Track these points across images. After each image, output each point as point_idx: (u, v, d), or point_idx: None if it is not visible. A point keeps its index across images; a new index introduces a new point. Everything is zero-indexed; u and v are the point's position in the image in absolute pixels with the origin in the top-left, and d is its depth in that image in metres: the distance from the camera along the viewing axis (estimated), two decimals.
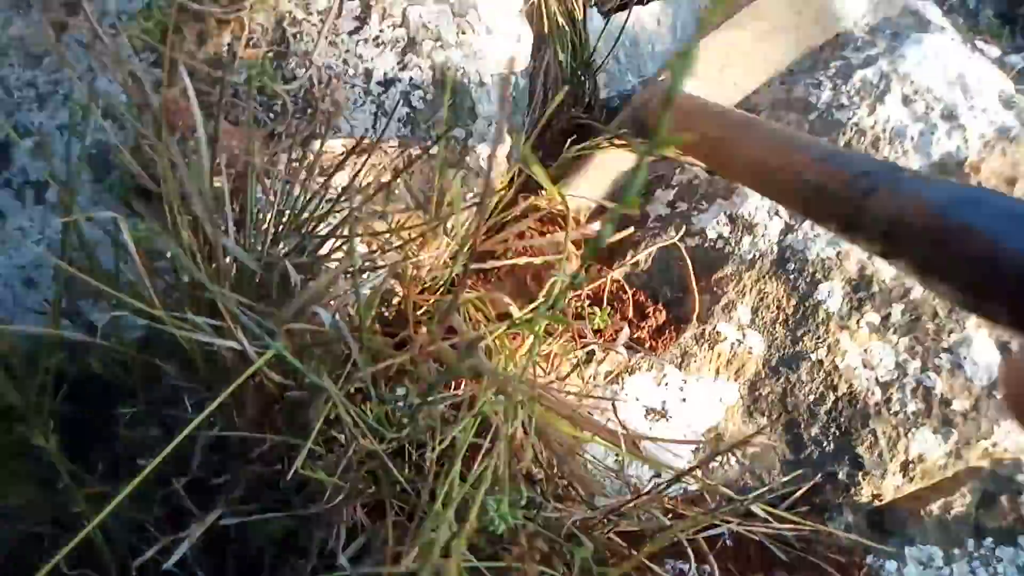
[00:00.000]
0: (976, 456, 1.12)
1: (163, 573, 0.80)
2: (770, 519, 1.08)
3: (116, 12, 1.00)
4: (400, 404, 0.84)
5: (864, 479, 1.12)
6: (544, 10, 1.36)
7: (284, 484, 0.97)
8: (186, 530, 0.83)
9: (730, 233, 1.16)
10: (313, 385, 0.73)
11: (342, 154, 1.01)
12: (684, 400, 1.15)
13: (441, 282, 1.12)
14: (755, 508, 1.09)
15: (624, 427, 1.07)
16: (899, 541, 1.14)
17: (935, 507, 1.14)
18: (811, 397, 1.14)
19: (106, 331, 1.02)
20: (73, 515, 0.97)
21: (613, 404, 1.09)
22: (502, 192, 1.18)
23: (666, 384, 1.14)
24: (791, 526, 1.08)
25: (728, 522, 1.08)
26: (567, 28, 1.42)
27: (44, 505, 0.98)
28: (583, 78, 1.51)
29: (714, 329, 1.14)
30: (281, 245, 0.90)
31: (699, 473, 1.10)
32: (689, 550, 0.92)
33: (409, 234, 0.98)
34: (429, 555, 0.69)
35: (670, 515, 1.00)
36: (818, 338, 1.13)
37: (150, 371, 0.99)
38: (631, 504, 0.92)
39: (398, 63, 1.03)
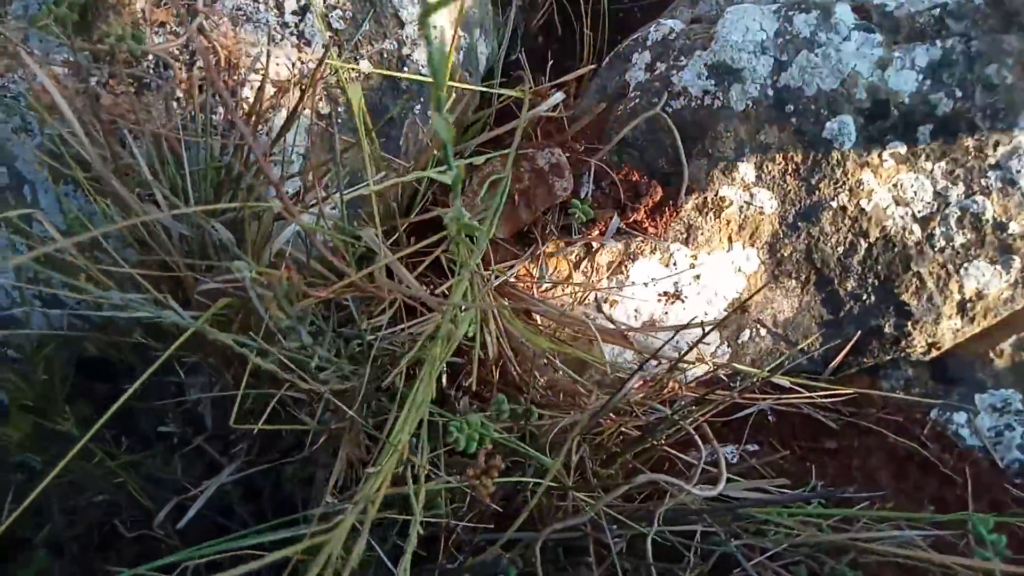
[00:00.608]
0: None
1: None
2: (802, 390, 0.99)
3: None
4: (352, 337, 0.82)
5: (915, 328, 0.99)
6: None
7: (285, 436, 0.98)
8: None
9: (715, 86, 1.02)
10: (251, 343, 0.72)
11: (272, 96, 0.97)
12: (698, 277, 1.05)
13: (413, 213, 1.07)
14: (785, 380, 1.00)
15: (612, 321, 1.00)
16: (967, 390, 1.01)
17: (1006, 346, 1.00)
18: (840, 249, 1.01)
19: (95, 319, 1.07)
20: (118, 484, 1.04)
21: (598, 302, 1.03)
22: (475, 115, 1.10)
23: (675, 264, 1.05)
24: (832, 391, 0.99)
25: (763, 398, 1.00)
26: None
27: (99, 479, 1.05)
28: None
29: (717, 195, 1.03)
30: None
31: (705, 354, 1.02)
32: (698, 434, 0.85)
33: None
34: (383, 484, 0.67)
35: (692, 402, 0.93)
36: (836, 182, 0.99)
37: (142, 348, 1.02)
38: (623, 398, 0.86)
39: None
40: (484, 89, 1.07)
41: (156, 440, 1.10)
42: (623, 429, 0.90)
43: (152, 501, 1.02)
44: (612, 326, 1.01)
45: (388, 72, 0.97)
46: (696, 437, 0.85)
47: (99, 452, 1.02)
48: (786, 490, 0.98)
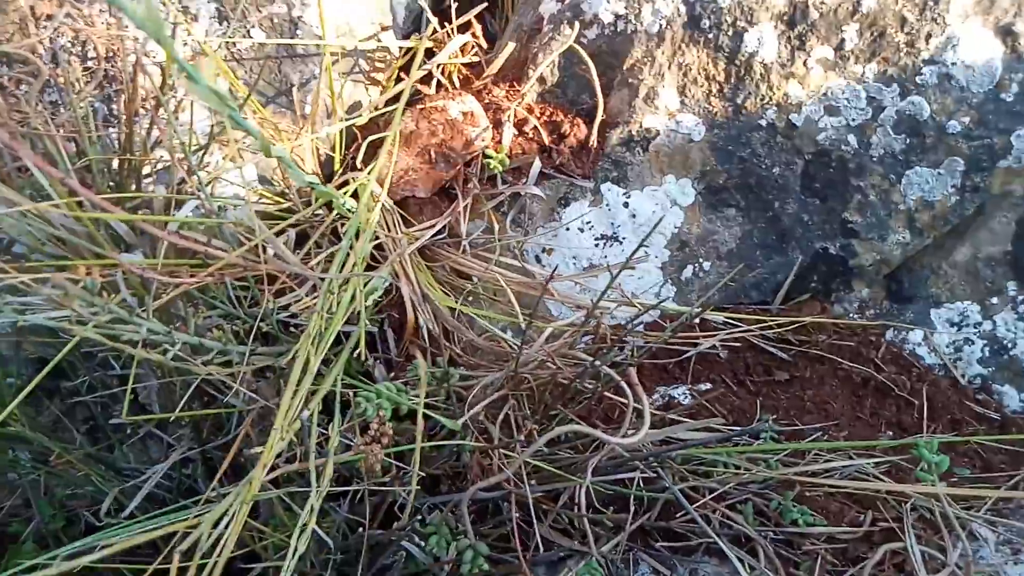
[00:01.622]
0: (999, 182, 0.89)
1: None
2: (749, 323, 0.95)
3: None
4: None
5: (861, 246, 0.93)
6: None
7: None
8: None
9: (626, 9, 0.96)
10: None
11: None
12: (634, 216, 1.01)
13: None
14: (719, 315, 0.96)
15: (530, 274, 0.96)
16: (922, 306, 0.95)
17: (960, 256, 0.93)
18: (776, 170, 0.95)
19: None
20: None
21: (535, 252, 0.99)
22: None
23: (607, 205, 1.01)
24: (780, 322, 0.94)
25: (707, 336, 0.96)
26: None
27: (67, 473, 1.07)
28: None
29: (642, 127, 0.97)
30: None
31: (640, 297, 0.97)
32: (625, 380, 0.81)
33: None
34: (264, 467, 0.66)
35: (618, 347, 0.89)
36: (762, 98, 0.93)
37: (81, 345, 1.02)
38: (543, 350, 0.82)
39: None
40: (367, 46, 1.03)
41: (113, 431, 1.11)
42: (556, 381, 0.87)
43: (113, 487, 1.03)
44: (534, 278, 0.97)
45: (280, 40, 0.93)
46: (622, 383, 0.82)
47: (57, 448, 1.03)
48: (735, 427, 0.94)
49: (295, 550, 0.60)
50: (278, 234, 0.81)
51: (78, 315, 0.57)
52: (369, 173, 0.83)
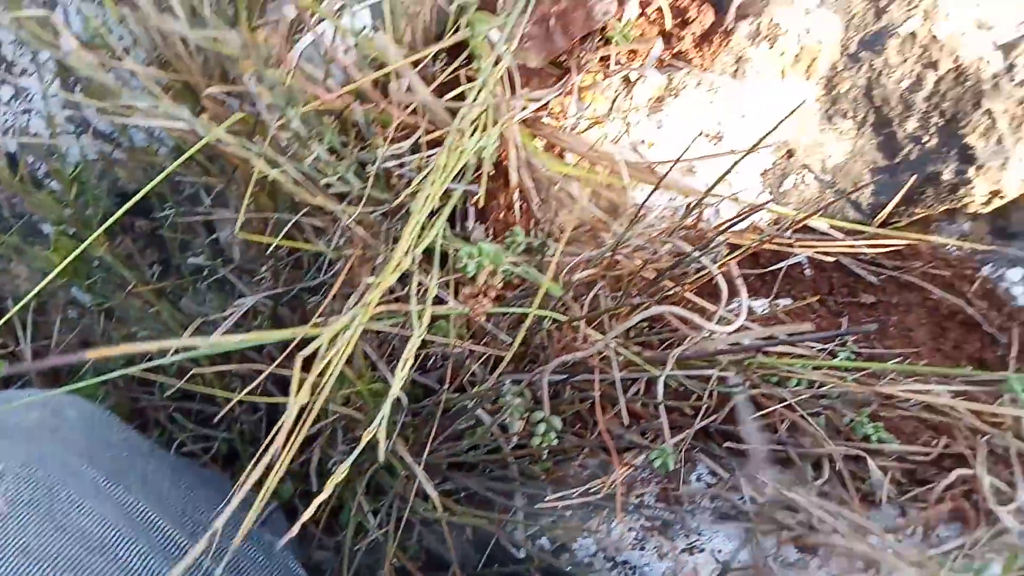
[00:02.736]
0: None
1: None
2: (842, 239, 0.93)
3: None
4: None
5: (977, 174, 0.90)
6: None
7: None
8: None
9: None
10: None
11: None
12: (743, 116, 0.98)
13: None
14: (823, 222, 0.94)
15: (638, 152, 0.94)
16: None
17: None
18: (904, 83, 0.91)
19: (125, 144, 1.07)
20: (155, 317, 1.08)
21: (634, 142, 0.97)
22: None
23: (720, 101, 0.97)
24: (875, 243, 0.93)
25: (798, 248, 0.95)
26: None
27: (136, 311, 1.10)
28: None
29: (772, 21, 0.93)
30: None
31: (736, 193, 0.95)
32: (724, 278, 0.81)
33: None
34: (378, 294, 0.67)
35: (718, 244, 0.88)
36: (909, 3, 0.88)
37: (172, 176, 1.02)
38: (643, 234, 0.82)
39: None
40: None
41: (190, 273, 1.13)
42: (645, 270, 0.87)
43: (184, 331, 1.05)
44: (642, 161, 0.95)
45: None
46: (720, 278, 0.82)
47: (133, 281, 1.05)
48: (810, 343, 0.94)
49: (392, 398, 0.61)
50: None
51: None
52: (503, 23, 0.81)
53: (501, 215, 0.91)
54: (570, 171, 0.86)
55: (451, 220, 0.87)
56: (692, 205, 0.85)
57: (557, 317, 0.80)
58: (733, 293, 0.80)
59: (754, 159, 1.00)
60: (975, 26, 0.86)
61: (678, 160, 0.79)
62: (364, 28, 0.95)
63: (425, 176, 0.67)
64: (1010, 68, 0.86)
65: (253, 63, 0.64)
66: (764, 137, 0.72)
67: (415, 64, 0.81)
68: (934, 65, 0.89)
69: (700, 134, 0.99)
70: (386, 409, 0.58)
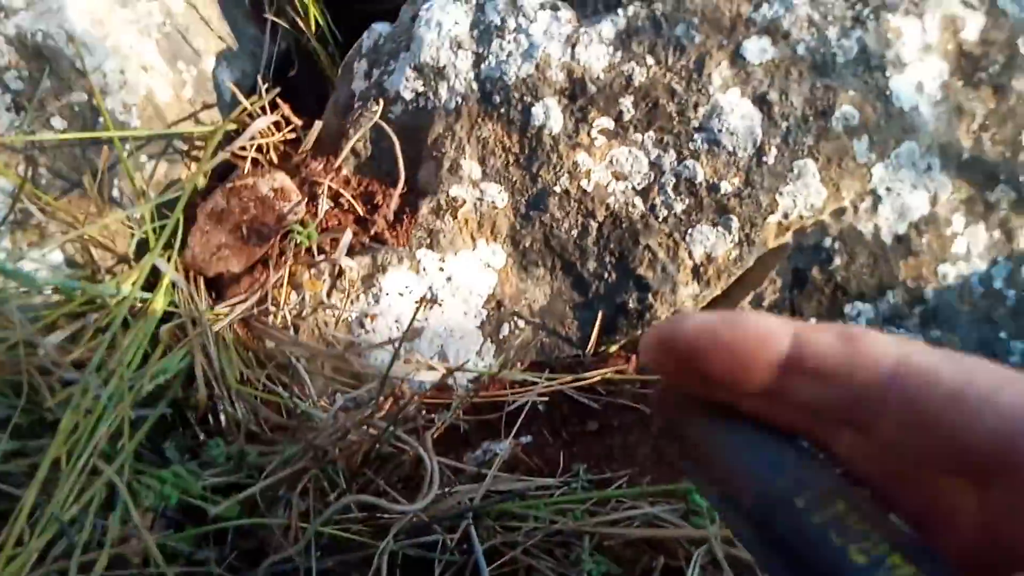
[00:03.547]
0: (772, 235, 0.96)
1: None
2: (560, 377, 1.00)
3: None
4: None
5: (656, 299, 0.99)
6: None
7: None
8: None
9: (424, 87, 1.00)
10: None
11: None
12: (450, 279, 1.04)
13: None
14: (521, 374, 1.00)
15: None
16: None
17: (745, 303, 1.00)
18: (574, 232, 1.00)
19: None
20: None
21: (360, 318, 1.02)
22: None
23: (424, 270, 1.04)
24: (588, 374, 0.99)
25: (518, 392, 1.01)
26: None
27: None
28: None
29: (448, 196, 1.02)
30: None
31: (453, 359, 1.01)
32: (421, 445, 0.84)
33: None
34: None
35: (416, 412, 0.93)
36: (554, 167, 0.98)
37: None
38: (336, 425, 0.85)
39: None
40: (158, 133, 1.04)
41: None
42: (356, 450, 0.90)
43: None
44: (357, 348, 1.00)
45: (75, 135, 0.94)
46: (419, 448, 0.85)
47: None
48: (550, 477, 0.99)
49: None
50: (52, 327, 0.81)
51: None
52: (168, 257, 0.85)
53: (200, 424, 0.93)
54: (248, 391, 0.89)
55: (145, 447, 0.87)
56: (379, 386, 0.89)
57: (259, 523, 0.81)
58: (430, 459, 0.83)
59: (472, 314, 1.06)
60: (613, 178, 0.97)
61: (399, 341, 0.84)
62: (60, 263, 0.98)
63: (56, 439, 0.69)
64: (652, 208, 0.97)
65: None
66: (407, 329, 0.77)
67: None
68: (592, 214, 0.99)
69: (417, 302, 1.05)
70: None
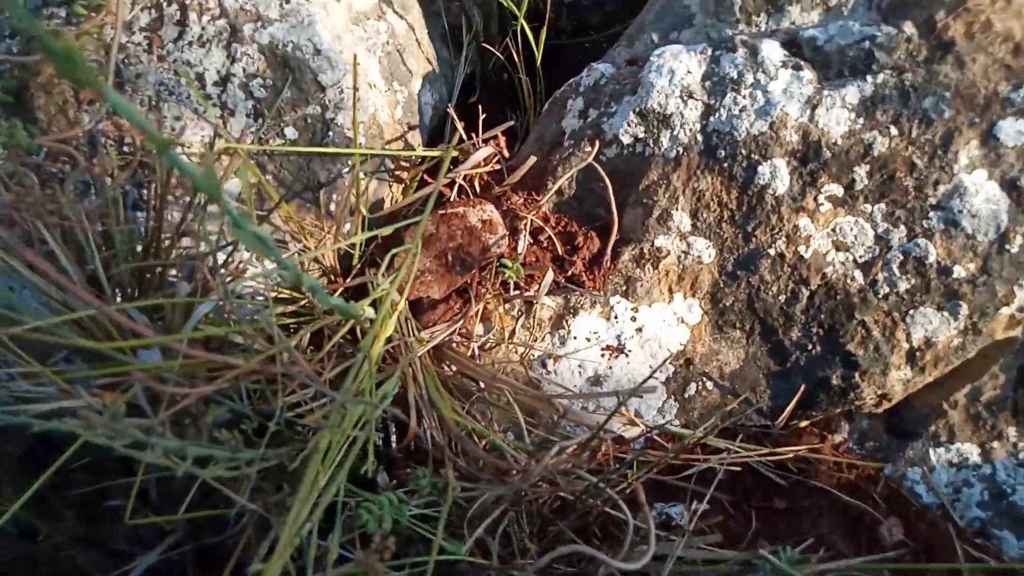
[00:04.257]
0: (1001, 327, 0.90)
1: None
2: (750, 448, 0.96)
3: None
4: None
5: (863, 379, 0.94)
6: None
7: None
8: None
9: (645, 133, 0.99)
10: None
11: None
12: (640, 330, 1.02)
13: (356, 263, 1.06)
14: (720, 441, 0.97)
15: (537, 386, 0.97)
16: (922, 444, 0.96)
17: (960, 396, 0.94)
18: (782, 297, 0.97)
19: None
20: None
21: (542, 358, 1.00)
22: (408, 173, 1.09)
23: (616, 318, 1.02)
24: (778, 450, 0.95)
25: (707, 458, 0.97)
26: None
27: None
28: None
29: (653, 246, 1.00)
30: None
31: (633, 418, 0.98)
32: (627, 500, 0.81)
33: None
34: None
35: (625, 466, 0.90)
36: (772, 228, 0.95)
37: None
38: (547, 468, 0.83)
39: (227, 57, 0.97)
40: (394, 153, 1.06)
41: (106, 514, 1.11)
42: (559, 495, 0.88)
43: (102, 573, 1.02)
44: (541, 390, 0.98)
45: (299, 149, 0.97)
46: (622, 504, 0.83)
47: (44, 528, 1.03)
48: (730, 551, 0.94)
49: None
50: (292, 334, 0.83)
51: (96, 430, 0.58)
52: (391, 281, 0.86)
53: (407, 451, 0.92)
54: (457, 414, 0.88)
55: (354, 472, 0.87)
56: (590, 436, 0.87)
57: (472, 561, 0.79)
58: (646, 515, 0.80)
59: (658, 369, 1.03)
60: (834, 248, 0.93)
61: (561, 396, 0.82)
62: (274, 273, 1.00)
63: (310, 455, 0.69)
64: (873, 283, 0.92)
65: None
66: (647, 378, 0.75)
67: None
68: (805, 282, 0.95)
69: (604, 349, 1.03)
70: None
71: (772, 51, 0.96)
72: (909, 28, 0.93)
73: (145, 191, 0.97)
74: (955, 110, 0.90)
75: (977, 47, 0.90)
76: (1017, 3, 0.90)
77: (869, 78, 0.92)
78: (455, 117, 1.06)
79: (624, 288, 1.02)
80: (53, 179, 0.90)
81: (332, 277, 1.04)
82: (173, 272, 0.87)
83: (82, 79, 0.28)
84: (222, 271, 0.81)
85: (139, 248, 0.88)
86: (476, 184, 1.10)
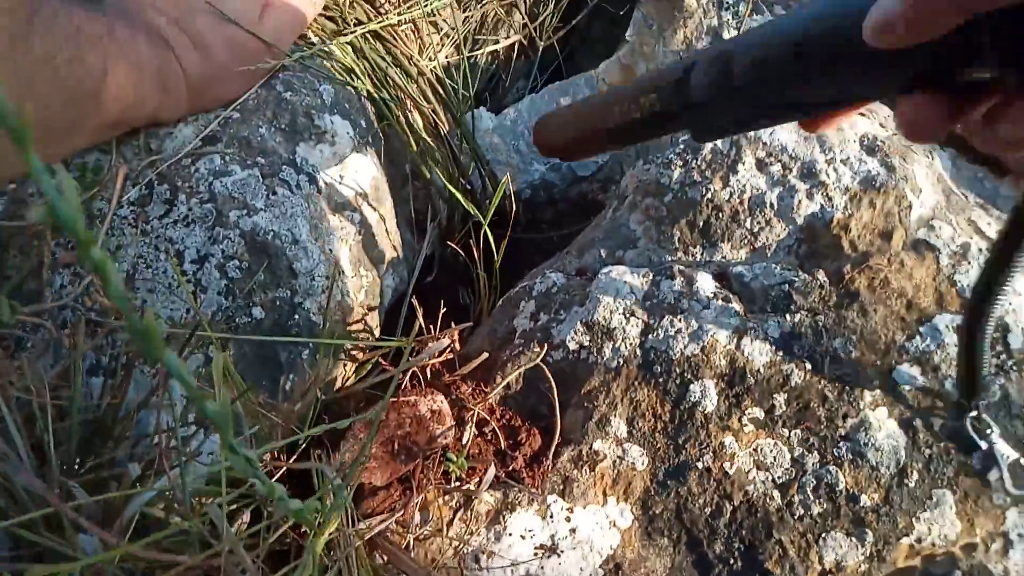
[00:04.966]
0: (902, 556, 0.98)
1: None
2: None
3: None
4: None
5: None
6: (403, 131, 1.36)
7: None
8: None
9: (590, 342, 1.09)
10: None
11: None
12: (574, 531, 1.06)
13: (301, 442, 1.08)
14: None
15: (478, 563, 0.99)
16: None
17: None
18: (708, 510, 1.03)
19: None
20: None
21: (475, 553, 1.02)
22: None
23: (551, 516, 1.06)
24: None
25: None
26: (436, 144, 1.41)
27: None
28: (470, 184, 1.49)
29: (591, 448, 1.06)
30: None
31: None
32: None
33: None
34: None
35: None
36: (700, 443, 1.03)
37: None
38: None
39: (209, 239, 1.03)
40: (359, 342, 1.12)
41: None
42: None
43: None
44: None
45: (276, 339, 1.02)
46: None
47: None
48: None
49: None
50: (233, 515, 0.84)
51: None
52: (343, 478, 0.88)
53: None
54: None
55: None
56: None
57: None
58: None
59: (588, 572, 1.06)
60: (756, 467, 1.01)
61: None
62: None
63: None
64: (789, 504, 1.00)
65: None
66: None
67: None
68: (729, 497, 1.02)
69: (537, 548, 1.06)
70: None
71: (706, 282, 1.08)
72: (822, 276, 1.07)
73: (104, 358, 0.99)
74: (860, 351, 1.02)
75: (878, 299, 1.04)
76: (908, 266, 1.06)
77: (788, 316, 1.04)
78: (417, 306, 1.14)
79: (561, 488, 1.06)
80: (19, 347, 0.92)
81: (275, 453, 1.05)
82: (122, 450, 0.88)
83: (158, 356, 0.33)
84: (174, 454, 0.83)
85: (92, 418, 0.90)
86: (428, 371, 1.16)
